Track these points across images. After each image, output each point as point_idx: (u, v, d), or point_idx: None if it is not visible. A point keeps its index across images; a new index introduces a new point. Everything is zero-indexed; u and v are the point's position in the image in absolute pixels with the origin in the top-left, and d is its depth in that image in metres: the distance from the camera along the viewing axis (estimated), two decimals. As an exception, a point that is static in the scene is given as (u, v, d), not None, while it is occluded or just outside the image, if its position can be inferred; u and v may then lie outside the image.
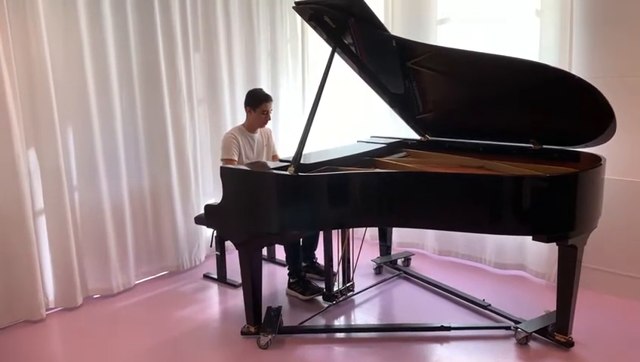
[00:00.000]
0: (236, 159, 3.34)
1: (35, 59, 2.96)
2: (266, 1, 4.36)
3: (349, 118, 4.48)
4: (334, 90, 4.29)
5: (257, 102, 3.37)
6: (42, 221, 3.15)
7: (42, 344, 2.89)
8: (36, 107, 3.01)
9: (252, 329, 2.82)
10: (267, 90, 3.64)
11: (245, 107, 3.44)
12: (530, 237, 2.51)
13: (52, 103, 3.03)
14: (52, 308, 3.24)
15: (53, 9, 3.07)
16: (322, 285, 3.27)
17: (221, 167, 2.78)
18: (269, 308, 2.94)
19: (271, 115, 3.43)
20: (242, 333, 2.84)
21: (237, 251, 2.83)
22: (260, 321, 2.84)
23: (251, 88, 3.59)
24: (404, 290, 3.45)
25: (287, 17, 4.51)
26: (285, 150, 3.87)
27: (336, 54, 2.89)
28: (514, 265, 3.66)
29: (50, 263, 3.20)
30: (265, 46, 4.39)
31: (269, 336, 2.72)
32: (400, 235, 4.18)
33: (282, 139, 4.46)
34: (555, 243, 2.56)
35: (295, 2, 2.83)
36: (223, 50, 4.03)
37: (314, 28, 2.92)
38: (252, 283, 2.78)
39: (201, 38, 3.92)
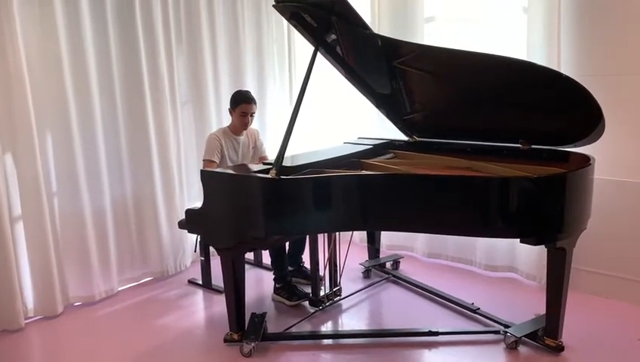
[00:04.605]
0: (217, 161, 3.29)
1: (11, 62, 2.87)
2: (251, 0, 4.29)
3: (335, 119, 4.41)
4: (320, 91, 4.26)
5: (236, 104, 3.34)
6: (20, 228, 3.07)
7: (21, 354, 2.81)
8: (12, 111, 2.93)
9: (235, 337, 2.74)
10: (254, 92, 3.58)
11: (228, 108, 3.40)
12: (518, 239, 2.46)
13: (29, 107, 2.95)
14: (31, 317, 3.15)
15: (28, 10, 2.98)
16: (309, 290, 3.20)
17: (201, 171, 2.71)
18: (252, 314, 2.87)
19: (251, 118, 3.37)
20: (225, 341, 2.77)
21: (220, 256, 2.76)
22: (244, 328, 2.77)
23: (239, 89, 3.54)
24: (392, 294, 3.39)
25: (272, 17, 4.43)
26: (274, 152, 3.80)
27: (319, 54, 2.83)
28: (505, 267, 3.60)
29: (28, 271, 3.11)
30: (251, 46, 4.31)
31: (253, 344, 2.64)
32: (389, 238, 4.11)
33: (270, 140, 4.38)
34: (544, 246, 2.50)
35: (275, 0, 2.76)
36: (207, 51, 3.95)
37: (295, 27, 2.86)
38: (235, 290, 2.71)
39: (184, 39, 3.85)
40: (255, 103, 3.37)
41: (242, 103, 3.32)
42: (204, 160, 3.31)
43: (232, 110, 3.38)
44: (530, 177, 2.40)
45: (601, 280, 3.17)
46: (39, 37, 3.05)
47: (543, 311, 2.65)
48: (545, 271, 2.57)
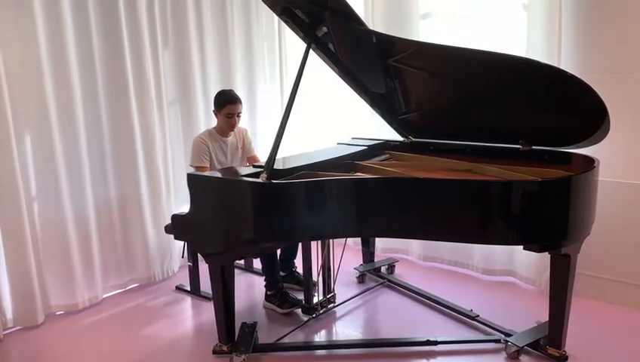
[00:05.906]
0: (207, 166, 3.15)
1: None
2: (241, -5, 4.16)
3: (328, 119, 4.29)
4: (313, 89, 4.13)
5: (221, 105, 3.19)
6: (-3, 234, 2.92)
7: (-3, 368, 2.68)
8: (-12, 112, 2.78)
9: (225, 348, 2.62)
10: (243, 91, 3.45)
11: (213, 110, 3.26)
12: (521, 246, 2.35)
13: (6, 108, 2.80)
14: (10, 328, 3.00)
15: (5, 9, 2.83)
16: (302, 296, 3.08)
17: (188, 175, 2.57)
18: (243, 323, 2.74)
19: (238, 118, 3.23)
20: (214, 352, 2.64)
21: (208, 264, 2.62)
22: (234, 339, 2.64)
23: (222, 89, 3.40)
24: (388, 300, 3.27)
25: (262, 13, 4.30)
26: (265, 154, 3.68)
27: (312, 52, 2.71)
28: (503, 271, 3.50)
29: (7, 279, 2.96)
30: (240, 43, 4.17)
31: (243, 356, 2.52)
32: (384, 241, 4.00)
33: (261, 142, 4.24)
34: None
35: (265, -6, 2.63)
36: (195, 48, 3.81)
37: (286, 23, 2.73)
38: (224, 299, 2.58)
39: (171, 36, 3.70)
40: (241, 102, 3.24)
41: (228, 105, 3.17)
42: (192, 166, 3.17)
43: (216, 112, 3.23)
44: (534, 181, 2.29)
45: (604, 284, 3.07)
46: (17, 35, 2.89)
47: (543, 317, 2.55)
48: (544, 275, 2.49)
